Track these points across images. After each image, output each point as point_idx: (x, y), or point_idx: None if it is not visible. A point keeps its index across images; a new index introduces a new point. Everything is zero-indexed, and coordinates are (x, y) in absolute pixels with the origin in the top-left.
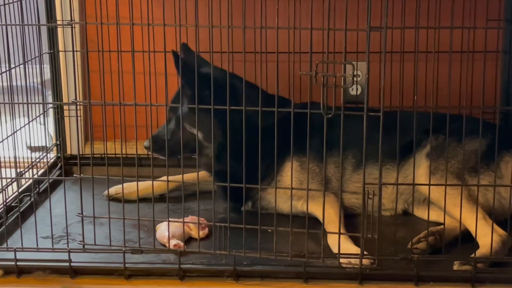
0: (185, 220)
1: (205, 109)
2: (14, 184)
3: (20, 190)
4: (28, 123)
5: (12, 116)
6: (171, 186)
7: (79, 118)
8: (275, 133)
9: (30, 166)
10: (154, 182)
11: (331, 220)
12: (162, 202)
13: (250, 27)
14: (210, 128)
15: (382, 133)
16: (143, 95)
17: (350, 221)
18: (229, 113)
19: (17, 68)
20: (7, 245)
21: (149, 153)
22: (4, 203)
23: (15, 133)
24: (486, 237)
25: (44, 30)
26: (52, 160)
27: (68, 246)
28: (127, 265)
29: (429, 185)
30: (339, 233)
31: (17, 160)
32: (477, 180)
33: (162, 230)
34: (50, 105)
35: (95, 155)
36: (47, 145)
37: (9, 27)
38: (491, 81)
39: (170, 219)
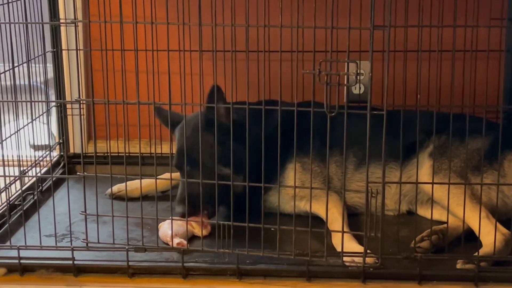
0: (188, 218)
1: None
2: (18, 182)
3: (23, 188)
4: (31, 122)
5: (16, 115)
6: (173, 183)
7: (82, 116)
8: (278, 136)
9: (33, 164)
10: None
11: (335, 219)
12: (165, 201)
13: (253, 25)
14: (240, 159)
15: (385, 131)
16: (146, 93)
17: (353, 220)
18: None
19: (21, 67)
20: (10, 243)
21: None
22: (8, 201)
23: (18, 132)
24: (490, 236)
25: (47, 28)
26: (55, 159)
27: (71, 244)
28: (130, 263)
29: (432, 183)
30: (342, 232)
31: (21, 158)
32: (480, 179)
33: (165, 229)
34: (53, 104)
35: (98, 154)
36: (50, 144)
37: (12, 26)
38: (494, 80)
39: (173, 217)
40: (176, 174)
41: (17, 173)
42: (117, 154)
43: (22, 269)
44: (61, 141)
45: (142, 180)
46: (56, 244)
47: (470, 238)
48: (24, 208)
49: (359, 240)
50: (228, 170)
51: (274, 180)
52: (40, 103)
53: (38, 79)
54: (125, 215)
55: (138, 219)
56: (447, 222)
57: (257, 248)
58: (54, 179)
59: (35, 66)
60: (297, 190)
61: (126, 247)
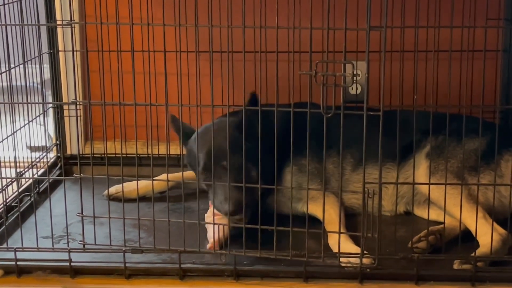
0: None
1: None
2: (14, 184)
3: (20, 190)
4: (28, 123)
5: (12, 116)
6: (170, 184)
7: (79, 118)
8: (276, 138)
9: (30, 166)
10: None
11: (332, 220)
12: (162, 202)
13: (250, 26)
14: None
15: (382, 132)
16: (143, 95)
17: (350, 220)
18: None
19: (17, 68)
20: (7, 245)
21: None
22: (4, 203)
23: (15, 133)
24: (486, 236)
25: (43, 30)
26: (52, 160)
27: (68, 246)
28: (127, 265)
29: (429, 184)
30: (339, 232)
31: (17, 160)
32: (477, 179)
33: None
34: (50, 105)
35: (95, 155)
36: (47, 145)
37: (8, 27)
38: (491, 80)
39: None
40: (173, 175)
41: (13, 175)
42: (114, 155)
43: (19, 271)
44: (58, 142)
45: (139, 181)
46: (53, 245)
47: (467, 238)
48: (21, 210)
49: (357, 240)
50: (254, 172)
51: (272, 182)
52: (36, 104)
53: (35, 80)
54: (122, 216)
55: (135, 221)
56: (444, 223)
57: (254, 249)
58: (50, 180)
59: (32, 68)
60: (294, 192)
61: (123, 249)
